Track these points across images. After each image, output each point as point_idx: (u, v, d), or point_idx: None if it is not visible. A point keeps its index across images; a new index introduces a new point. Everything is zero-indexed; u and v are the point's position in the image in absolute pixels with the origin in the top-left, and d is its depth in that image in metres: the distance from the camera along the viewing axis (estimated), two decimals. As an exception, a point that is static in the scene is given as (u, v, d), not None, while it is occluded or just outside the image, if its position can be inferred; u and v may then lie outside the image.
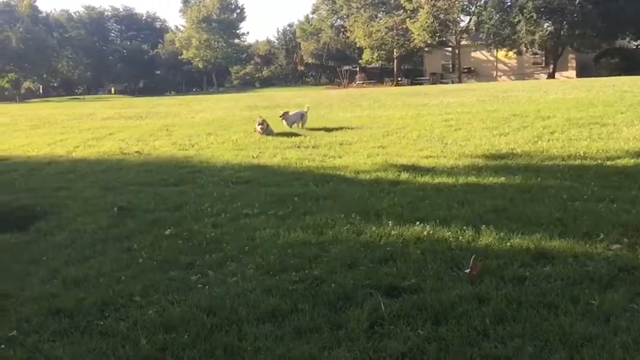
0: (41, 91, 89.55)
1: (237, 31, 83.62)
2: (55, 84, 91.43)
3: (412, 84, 57.67)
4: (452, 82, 55.05)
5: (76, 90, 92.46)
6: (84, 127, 16.89)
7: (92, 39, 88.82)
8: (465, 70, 61.12)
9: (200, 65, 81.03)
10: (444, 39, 60.95)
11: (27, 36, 73.60)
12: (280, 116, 13.02)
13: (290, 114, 13.25)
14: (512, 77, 58.11)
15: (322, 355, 2.77)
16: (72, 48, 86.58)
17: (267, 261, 4.17)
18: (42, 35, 76.27)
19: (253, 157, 9.44)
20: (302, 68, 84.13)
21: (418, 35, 58.84)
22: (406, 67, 69.49)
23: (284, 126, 12.91)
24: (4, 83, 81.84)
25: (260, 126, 12.16)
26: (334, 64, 75.53)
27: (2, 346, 2.97)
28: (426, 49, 62.16)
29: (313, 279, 3.77)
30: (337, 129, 12.51)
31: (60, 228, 5.48)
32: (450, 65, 63.76)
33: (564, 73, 54.87)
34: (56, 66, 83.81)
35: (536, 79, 53.49)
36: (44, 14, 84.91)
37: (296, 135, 11.89)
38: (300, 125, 13.24)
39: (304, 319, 3.18)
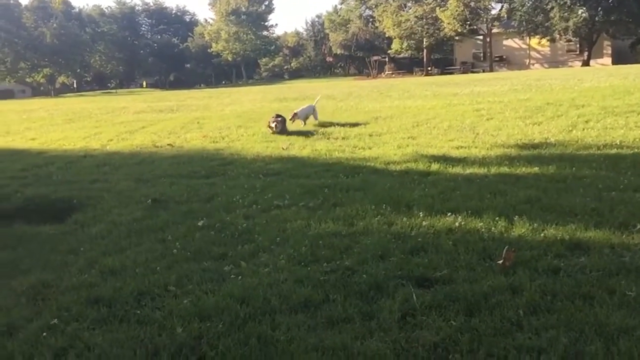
0: (75, 86, 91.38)
1: (266, 23, 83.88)
2: (88, 79, 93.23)
3: (442, 73, 57.00)
4: (484, 71, 54.31)
5: (109, 85, 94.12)
6: (117, 120, 17.17)
7: (123, 34, 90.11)
8: (497, 59, 60.16)
9: (230, 58, 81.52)
10: (475, 27, 60.03)
11: (61, 32, 75.06)
12: (291, 119, 12.14)
13: (298, 111, 12.56)
14: (545, 65, 56.94)
15: (354, 345, 2.79)
16: (105, 43, 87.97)
17: (299, 252, 4.20)
18: (75, 30, 77.67)
19: (283, 149, 9.48)
20: (331, 59, 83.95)
21: (448, 23, 58.07)
22: (436, 57, 68.76)
23: (297, 124, 12.33)
24: (39, 78, 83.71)
25: (274, 123, 11.34)
26: (362, 55, 75.16)
27: (44, 334, 3.06)
28: (456, 38, 61.34)
29: (344, 269, 3.79)
30: (366, 120, 12.46)
31: (96, 219, 5.60)
32: (482, 54, 62.81)
33: (599, 60, 53.56)
34: (89, 61, 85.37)
35: (570, 66, 52.31)
36: (77, 10, 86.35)
37: (324, 126, 11.88)
38: (313, 118, 12.78)
39: (336, 309, 3.20)
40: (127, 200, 6.30)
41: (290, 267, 3.91)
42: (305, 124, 12.43)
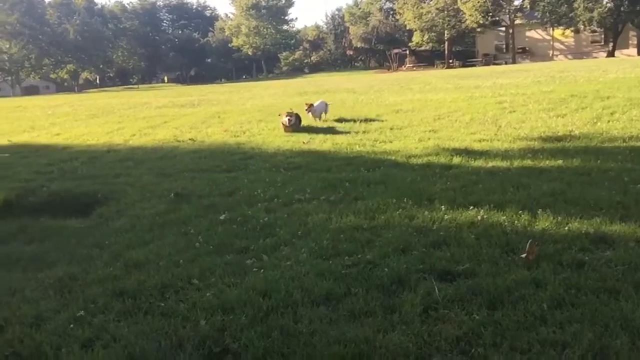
0: (98, 81, 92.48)
1: (286, 17, 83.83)
2: (111, 74, 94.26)
3: (464, 66, 56.46)
4: (506, 63, 53.67)
5: (131, 80, 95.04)
6: (140, 115, 17.34)
7: (145, 29, 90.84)
8: (520, 51, 59.40)
9: (250, 52, 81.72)
10: (497, 18, 59.35)
11: (84, 28, 75.96)
12: (306, 109, 11.94)
13: (315, 104, 12.28)
14: (569, 57, 56.08)
15: (376, 338, 2.79)
16: (127, 39, 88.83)
17: (320, 245, 4.21)
18: (98, 26, 78.57)
19: (303, 142, 9.49)
20: (351, 52, 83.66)
21: (470, 15, 57.48)
22: (457, 49, 68.12)
23: (310, 120, 12.01)
24: (63, 74, 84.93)
25: (287, 117, 10.86)
26: (383, 48, 74.77)
27: (72, 325, 3.12)
28: (478, 30, 60.65)
29: (366, 263, 3.79)
30: (387, 114, 12.41)
31: (120, 213, 5.67)
32: (504, 46, 62.10)
33: (624, 51, 52.59)
34: (112, 57, 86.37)
35: (595, 57, 51.45)
36: (99, 6, 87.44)
37: (345, 120, 11.86)
38: (325, 115, 12.44)
39: (358, 302, 3.20)
40: (150, 195, 6.37)
41: (312, 261, 3.93)
42: (320, 119, 12.24)
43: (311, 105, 12.13)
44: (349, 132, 10.24)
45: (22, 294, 3.67)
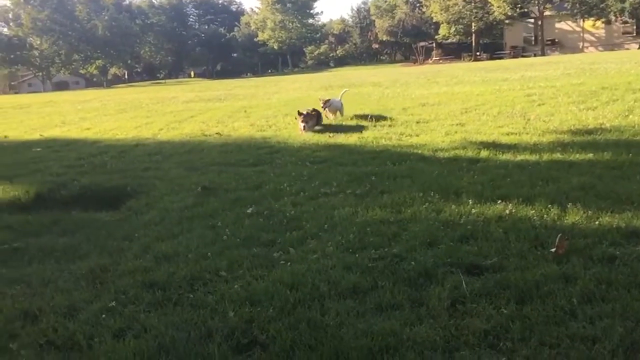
0: (126, 76, 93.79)
1: (311, 11, 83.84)
2: (138, 69, 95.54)
3: (491, 58, 55.76)
4: (535, 55, 52.82)
5: (158, 75, 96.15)
6: (167, 110, 17.54)
7: (172, 25, 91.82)
8: (549, 43, 58.39)
9: (276, 47, 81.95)
10: (526, 10, 58.39)
11: (112, 24, 77.08)
12: (323, 106, 11.10)
13: (332, 100, 11.48)
14: (600, 48, 54.94)
15: (403, 331, 2.80)
16: (154, 34, 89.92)
17: (347, 239, 4.22)
18: (126, 22, 79.66)
19: (329, 136, 9.49)
20: (377, 46, 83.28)
21: (498, 7, 56.68)
22: (485, 41, 67.32)
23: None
24: (92, 69, 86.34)
25: (303, 125, 10.12)
26: (409, 41, 74.27)
27: (103, 315, 3.19)
28: (506, 22, 59.79)
29: (393, 256, 3.79)
30: (413, 107, 12.34)
31: (149, 206, 5.75)
32: (533, 38, 61.11)
33: (658, 42, 51.29)
34: (139, 52, 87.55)
35: (626, 49, 50.29)
36: (127, 2, 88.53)
37: (371, 114, 11.82)
38: (340, 113, 11.63)
39: (385, 295, 3.21)
40: (178, 188, 6.45)
41: (339, 254, 3.94)
42: (335, 116, 11.50)
43: (327, 101, 11.29)
44: (374, 126, 10.20)
45: (55, 285, 3.75)
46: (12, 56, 78.44)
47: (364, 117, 11.48)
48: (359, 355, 2.59)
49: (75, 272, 3.97)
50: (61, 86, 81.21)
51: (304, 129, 10.08)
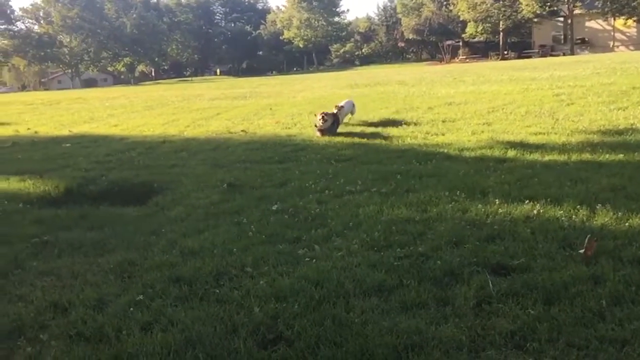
0: (153, 74, 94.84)
1: (337, 9, 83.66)
2: (165, 67, 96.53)
3: (519, 57, 55.01)
4: (564, 54, 51.97)
5: (184, 72, 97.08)
6: (193, 107, 17.69)
7: (198, 23, 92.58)
8: (579, 41, 57.36)
9: (301, 45, 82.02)
10: (555, 8, 57.41)
11: (140, 22, 78.04)
12: (337, 113, 10.03)
13: (344, 104, 10.67)
14: (631, 47, 53.79)
15: (429, 329, 2.79)
16: (181, 32, 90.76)
17: (372, 237, 4.22)
18: (154, 20, 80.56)
19: (354, 135, 9.48)
20: (403, 44, 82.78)
21: (526, 5, 55.87)
22: (513, 40, 66.44)
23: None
24: (120, 67, 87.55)
25: (321, 132, 9.50)
26: (435, 39, 73.67)
27: (131, 309, 3.24)
28: (535, 20, 58.92)
29: (418, 255, 3.77)
30: (439, 106, 12.25)
31: (175, 202, 5.82)
32: (562, 37, 60.09)
33: (692, 41, 50.06)
34: (166, 50, 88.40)
35: (659, 48, 49.19)
36: (155, 0, 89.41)
37: (397, 113, 11.77)
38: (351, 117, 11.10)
39: (410, 294, 3.20)
40: (204, 185, 6.51)
41: (364, 252, 3.94)
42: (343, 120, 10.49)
43: (342, 107, 10.44)
44: (400, 125, 10.16)
45: (84, 278, 3.82)
46: (42, 53, 79.90)
47: (389, 115, 11.44)
48: (384, 352, 2.59)
49: (103, 265, 4.04)
50: (89, 83, 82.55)
51: (321, 135, 9.49)
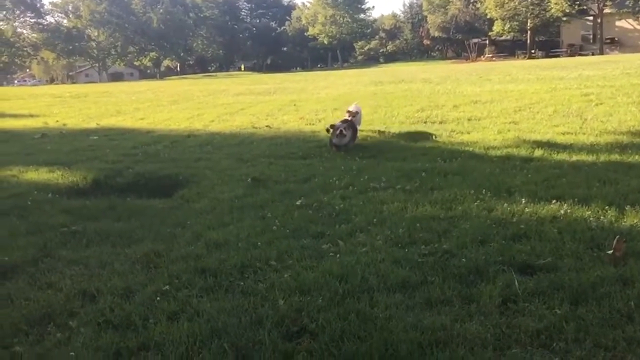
0: (178, 69, 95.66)
1: (362, 6, 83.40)
2: (191, 62, 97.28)
3: (547, 56, 54.23)
4: (593, 54, 51.10)
5: (209, 68, 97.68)
6: (218, 102, 17.82)
7: (224, 18, 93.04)
8: (608, 41, 56.33)
9: (326, 42, 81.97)
10: (585, 7, 56.44)
11: (167, 17, 78.78)
12: (350, 117, 8.60)
13: (353, 108, 9.12)
14: (663, 48, 52.70)
15: (453, 326, 2.78)
16: (207, 27, 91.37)
17: (396, 233, 4.21)
18: (180, 15, 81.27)
19: (379, 132, 9.46)
20: (428, 42, 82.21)
21: (555, 3, 55.05)
22: (540, 39, 65.44)
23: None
24: (146, 61, 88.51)
25: (336, 147, 7.89)
26: (461, 37, 73.01)
27: (158, 298, 3.29)
28: (564, 19, 57.98)
29: (443, 252, 3.76)
30: (465, 104, 12.16)
31: (200, 195, 5.87)
32: (591, 36, 59.05)
33: None
34: (192, 45, 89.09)
35: (691, 48, 48.09)
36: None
37: (422, 110, 11.71)
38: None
39: (434, 291, 3.19)
40: (228, 179, 6.55)
41: (388, 248, 3.93)
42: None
43: (356, 113, 8.99)
44: (424, 122, 10.12)
45: (112, 267, 3.89)
46: (70, 47, 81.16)
47: (414, 113, 11.39)
48: (409, 348, 2.59)
49: (130, 256, 4.10)
50: (116, 77, 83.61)
51: (336, 150, 7.82)
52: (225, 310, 3.08)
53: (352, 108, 9.05)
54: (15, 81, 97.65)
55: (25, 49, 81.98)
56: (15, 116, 16.56)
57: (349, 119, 8.47)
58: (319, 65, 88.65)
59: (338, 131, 7.87)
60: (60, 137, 11.15)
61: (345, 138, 7.85)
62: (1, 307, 3.31)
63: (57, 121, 14.37)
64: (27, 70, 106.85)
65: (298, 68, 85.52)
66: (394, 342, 2.64)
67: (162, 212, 5.36)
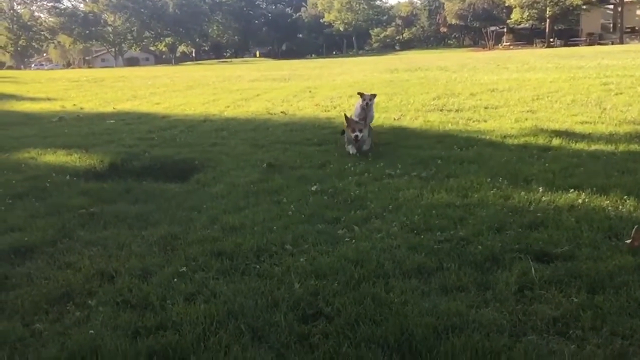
0: (193, 54, 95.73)
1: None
2: (206, 48, 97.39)
3: (565, 45, 53.57)
4: (612, 43, 50.39)
5: (224, 54, 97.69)
6: (233, 88, 17.84)
7: (240, 4, 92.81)
8: (629, 30, 55.47)
9: (341, 28, 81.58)
10: (605, -5, 55.63)
11: (183, 2, 78.78)
12: (365, 102, 7.56)
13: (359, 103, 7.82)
14: (684, 37, 51.78)
15: (469, 312, 2.78)
16: (222, 13, 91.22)
17: (411, 220, 4.21)
18: (196, 1, 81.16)
19: (394, 119, 9.43)
20: (445, 30, 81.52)
21: (575, -9, 54.28)
22: (559, 27, 64.61)
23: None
24: (162, 47, 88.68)
25: (355, 152, 6.74)
26: (479, 25, 72.30)
27: (175, 280, 3.32)
28: (584, 7, 57.21)
29: (459, 239, 3.75)
30: (481, 92, 12.06)
31: (216, 180, 5.90)
32: (611, 25, 58.21)
33: None
34: (207, 31, 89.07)
35: None
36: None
37: (438, 98, 11.63)
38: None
39: (450, 277, 3.19)
40: (243, 164, 6.57)
41: (403, 235, 3.93)
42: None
43: (373, 95, 7.81)
44: (441, 110, 10.05)
45: (129, 249, 3.92)
46: (87, 31, 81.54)
47: (430, 101, 11.32)
48: (424, 332, 2.60)
49: (147, 238, 4.13)
50: (132, 62, 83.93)
51: (352, 151, 6.81)
52: (241, 292, 3.10)
53: (362, 103, 7.66)
54: (33, 65, 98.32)
55: (42, 32, 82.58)
56: (33, 99, 16.71)
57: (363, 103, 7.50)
58: (334, 52, 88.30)
59: (354, 136, 6.68)
60: (77, 121, 11.24)
61: (365, 145, 6.85)
62: (22, 286, 3.37)
63: (74, 105, 14.48)
64: (44, 54, 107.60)
65: (313, 55, 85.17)
66: (410, 327, 2.64)
67: (178, 195, 5.39)
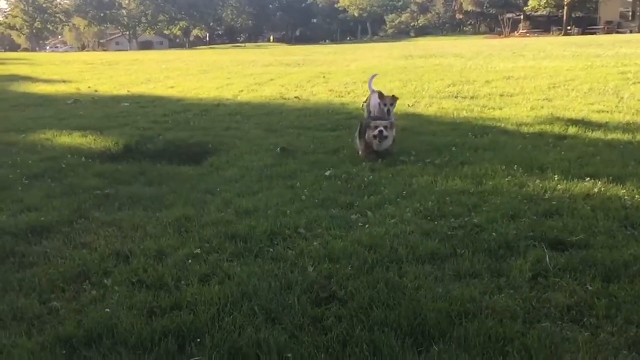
0: (208, 39, 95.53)
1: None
2: (220, 32, 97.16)
3: (583, 33, 52.79)
4: (631, 32, 49.58)
5: (238, 38, 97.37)
6: (247, 73, 17.82)
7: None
8: (648, 19, 54.56)
9: (356, 14, 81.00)
10: (625, -17, 54.67)
11: (198, -14, 78.41)
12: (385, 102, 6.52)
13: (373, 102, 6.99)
14: None
15: (483, 299, 2.78)
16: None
17: (425, 207, 4.20)
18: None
19: (409, 106, 9.39)
20: (461, 16, 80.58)
21: (594, -21, 53.38)
22: (577, 15, 63.61)
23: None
24: (176, 31, 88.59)
25: (372, 156, 5.81)
26: (495, 12, 71.40)
27: (190, 261, 3.35)
28: (603, -5, 56.25)
29: (473, 226, 3.74)
30: (497, 80, 11.95)
31: (230, 164, 5.92)
32: (630, 13, 57.20)
33: None
34: (221, 15, 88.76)
35: None
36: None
37: (453, 85, 11.55)
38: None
39: (464, 263, 3.19)
40: (257, 148, 6.59)
41: (417, 221, 3.93)
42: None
43: (395, 98, 6.71)
44: (456, 97, 9.99)
45: (144, 230, 3.96)
46: (102, 15, 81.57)
47: (445, 88, 11.24)
48: (437, 317, 2.60)
49: (162, 219, 4.16)
50: (146, 46, 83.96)
51: (367, 152, 5.92)
52: (255, 274, 3.12)
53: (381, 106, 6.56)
54: (48, 47, 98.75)
55: (57, 15, 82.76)
56: (48, 81, 16.81)
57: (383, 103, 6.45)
58: (348, 39, 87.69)
59: (377, 131, 5.75)
60: (93, 103, 11.30)
61: (388, 141, 5.84)
62: (39, 264, 3.41)
63: (89, 87, 14.56)
64: (59, 36, 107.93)
65: (327, 40, 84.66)
66: (423, 312, 2.65)
67: (193, 179, 5.42)
